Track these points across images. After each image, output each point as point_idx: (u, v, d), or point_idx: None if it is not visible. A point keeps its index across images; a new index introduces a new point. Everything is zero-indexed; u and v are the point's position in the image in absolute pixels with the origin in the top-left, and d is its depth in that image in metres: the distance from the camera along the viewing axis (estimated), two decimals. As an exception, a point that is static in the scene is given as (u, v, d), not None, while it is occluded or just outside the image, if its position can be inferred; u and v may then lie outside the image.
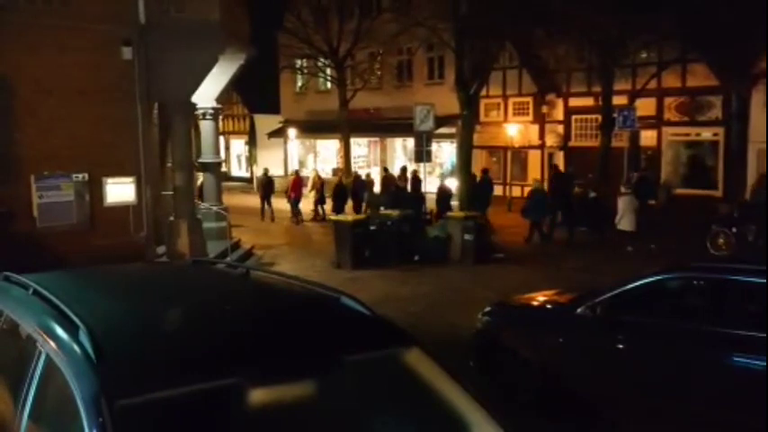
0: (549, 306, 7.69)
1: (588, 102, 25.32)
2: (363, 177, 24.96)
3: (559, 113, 27.20)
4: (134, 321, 3.39)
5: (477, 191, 20.72)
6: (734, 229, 16.29)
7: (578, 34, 21.28)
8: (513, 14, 18.66)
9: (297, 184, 23.99)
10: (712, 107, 22.85)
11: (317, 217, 23.79)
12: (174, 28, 12.64)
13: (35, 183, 11.70)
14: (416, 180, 21.47)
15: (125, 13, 12.25)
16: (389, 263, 14.78)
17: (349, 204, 23.10)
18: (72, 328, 2.99)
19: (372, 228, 15.54)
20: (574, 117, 26.74)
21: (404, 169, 23.27)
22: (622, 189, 17.75)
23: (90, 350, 2.80)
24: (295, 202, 23.51)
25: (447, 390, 3.22)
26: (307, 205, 24.10)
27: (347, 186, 23.46)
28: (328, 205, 23.18)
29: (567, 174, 22.76)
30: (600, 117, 23.00)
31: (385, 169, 27.17)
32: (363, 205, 22.70)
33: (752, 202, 18.66)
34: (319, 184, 24.09)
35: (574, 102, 26.48)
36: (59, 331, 3.06)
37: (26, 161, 11.56)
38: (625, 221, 16.60)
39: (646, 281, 6.53)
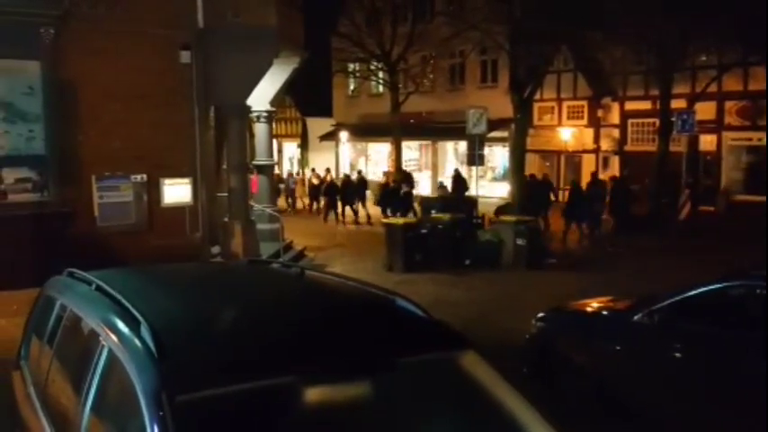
0: (604, 312, 7.55)
1: (645, 105, 24.80)
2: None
3: (615, 117, 26.71)
4: (194, 318, 3.45)
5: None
6: None
7: (635, 37, 20.85)
8: (569, 17, 18.40)
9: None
10: (775, 111, 22.13)
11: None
12: (230, 32, 12.85)
13: (96, 183, 12.04)
14: (460, 182, 21.22)
15: (184, 18, 12.48)
16: (441, 266, 14.70)
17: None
18: (134, 324, 3.05)
19: (424, 231, 15.49)
20: (630, 121, 26.23)
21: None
22: None
23: (151, 345, 2.86)
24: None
25: (502, 394, 3.19)
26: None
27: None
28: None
29: (622, 179, 21.88)
30: (657, 121, 22.48)
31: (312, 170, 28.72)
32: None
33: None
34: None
35: (630, 105, 25.98)
36: (121, 326, 3.12)
37: (88, 163, 11.89)
38: None
39: (706, 288, 6.34)
